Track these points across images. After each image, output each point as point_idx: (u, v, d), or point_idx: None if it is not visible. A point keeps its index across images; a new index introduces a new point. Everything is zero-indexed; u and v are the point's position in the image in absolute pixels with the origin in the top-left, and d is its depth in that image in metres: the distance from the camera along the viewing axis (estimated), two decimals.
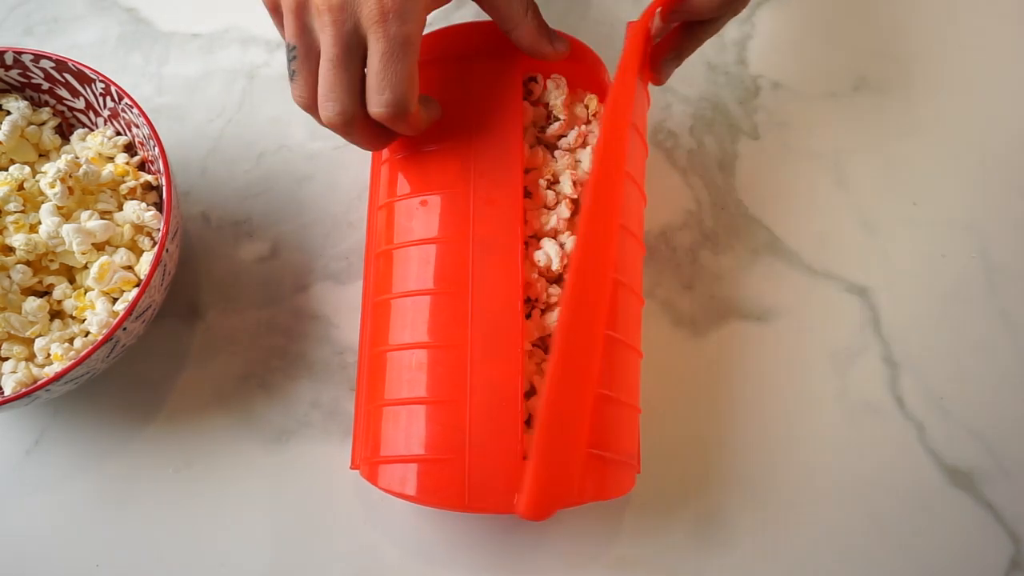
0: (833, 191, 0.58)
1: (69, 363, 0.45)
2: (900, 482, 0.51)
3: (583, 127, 0.50)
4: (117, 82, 0.50)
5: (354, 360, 0.53)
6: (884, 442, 0.52)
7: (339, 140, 0.58)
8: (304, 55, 0.42)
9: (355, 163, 0.58)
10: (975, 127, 0.60)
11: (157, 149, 0.48)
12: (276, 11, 0.43)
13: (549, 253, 0.46)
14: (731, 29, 0.62)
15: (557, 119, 0.50)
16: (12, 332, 0.47)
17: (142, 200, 0.51)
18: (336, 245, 0.56)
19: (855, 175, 0.58)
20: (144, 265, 0.49)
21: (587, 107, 0.51)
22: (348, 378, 0.53)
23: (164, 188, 0.48)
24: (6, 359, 0.48)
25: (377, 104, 0.41)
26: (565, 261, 0.46)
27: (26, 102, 0.52)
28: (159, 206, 0.52)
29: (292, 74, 0.42)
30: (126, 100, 0.50)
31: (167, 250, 0.46)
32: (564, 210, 0.48)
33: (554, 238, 0.47)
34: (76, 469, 0.51)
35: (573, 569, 0.49)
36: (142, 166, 0.53)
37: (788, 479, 0.51)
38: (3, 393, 0.47)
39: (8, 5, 0.63)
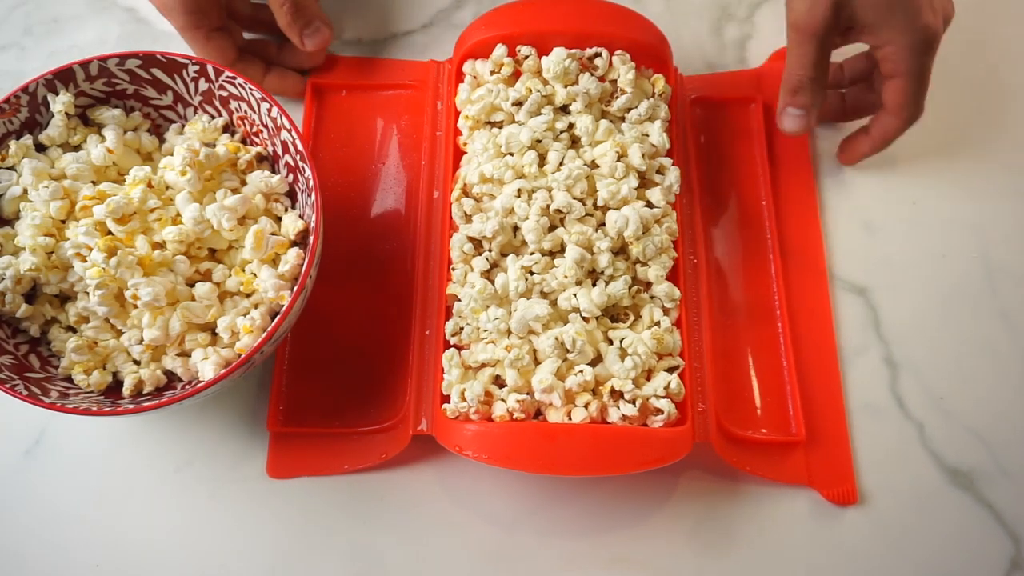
0: (834, 191, 0.58)
1: (263, 333, 0.46)
2: (900, 482, 0.51)
3: (651, 100, 0.51)
4: None
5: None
6: (884, 442, 0.52)
7: None
8: None
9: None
10: (975, 127, 0.60)
11: (296, 135, 0.49)
12: None
13: (620, 221, 0.48)
14: (731, 29, 0.62)
15: (624, 92, 0.51)
16: (193, 321, 0.48)
17: (258, 170, 0.52)
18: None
19: (855, 175, 0.58)
20: (289, 227, 0.49)
21: (653, 84, 0.52)
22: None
23: (311, 178, 0.48)
24: (190, 352, 0.49)
25: None
26: (630, 231, 0.48)
27: (118, 110, 0.53)
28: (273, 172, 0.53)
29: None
30: (226, 74, 0.50)
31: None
32: (633, 180, 0.49)
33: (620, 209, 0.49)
34: (76, 469, 0.51)
35: (573, 569, 0.49)
36: (243, 141, 0.54)
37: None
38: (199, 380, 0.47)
39: (8, 5, 0.63)
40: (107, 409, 0.45)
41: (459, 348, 0.48)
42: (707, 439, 0.49)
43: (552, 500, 0.50)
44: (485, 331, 0.47)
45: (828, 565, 0.49)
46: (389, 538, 0.50)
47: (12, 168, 0.50)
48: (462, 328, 0.48)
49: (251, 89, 0.50)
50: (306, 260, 0.47)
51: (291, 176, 0.51)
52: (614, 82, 0.52)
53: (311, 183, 0.48)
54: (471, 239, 0.49)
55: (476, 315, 0.47)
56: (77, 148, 0.52)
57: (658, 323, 0.48)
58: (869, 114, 0.55)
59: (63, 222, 0.50)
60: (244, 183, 0.51)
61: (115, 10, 0.63)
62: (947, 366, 0.54)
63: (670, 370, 0.47)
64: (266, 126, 0.51)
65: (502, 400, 0.46)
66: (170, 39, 0.62)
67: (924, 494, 0.51)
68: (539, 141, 0.50)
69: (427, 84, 0.58)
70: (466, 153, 0.53)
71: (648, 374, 0.47)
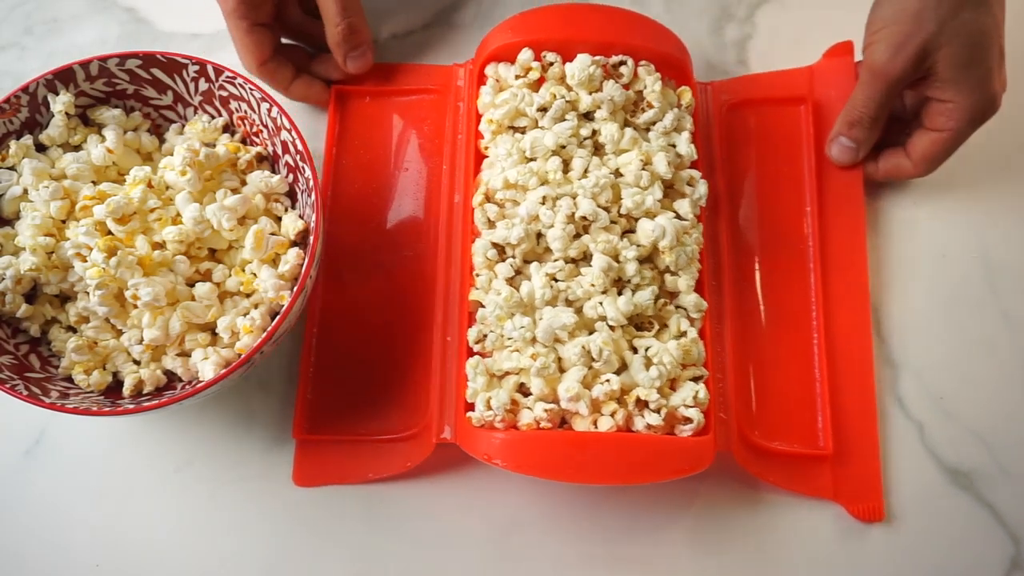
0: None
1: (263, 333, 0.46)
2: (900, 482, 0.51)
3: (676, 111, 0.51)
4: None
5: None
6: (884, 442, 0.52)
7: None
8: None
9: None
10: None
11: (296, 135, 0.49)
12: None
13: (657, 232, 0.48)
14: (731, 29, 0.62)
15: (652, 106, 0.51)
16: (193, 321, 0.48)
17: (258, 170, 0.52)
18: None
19: None
20: (289, 227, 0.50)
21: (679, 96, 0.53)
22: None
23: (311, 178, 0.48)
24: (190, 352, 0.49)
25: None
26: (666, 241, 0.48)
27: (119, 110, 0.53)
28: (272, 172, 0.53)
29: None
30: (226, 74, 0.50)
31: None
32: (657, 191, 0.49)
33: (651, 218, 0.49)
34: (76, 469, 0.51)
35: (573, 569, 0.49)
36: (243, 141, 0.54)
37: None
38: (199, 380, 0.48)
39: (8, 5, 0.63)
40: (107, 409, 0.45)
41: (482, 355, 0.48)
42: (729, 449, 0.49)
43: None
44: (510, 339, 0.47)
45: (828, 564, 0.49)
46: (399, 545, 0.50)
47: (12, 168, 0.50)
48: (485, 335, 0.48)
49: (251, 89, 0.50)
50: (306, 260, 0.47)
51: (291, 176, 0.51)
52: (639, 92, 0.52)
53: (311, 183, 0.48)
54: (495, 245, 0.49)
55: (501, 323, 0.47)
56: (77, 148, 0.52)
57: (684, 333, 0.48)
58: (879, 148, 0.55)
59: (63, 222, 0.50)
60: (244, 183, 0.51)
61: (115, 10, 0.63)
62: (947, 366, 0.53)
63: (695, 380, 0.47)
64: (266, 126, 0.51)
65: (528, 408, 0.46)
66: (170, 39, 0.62)
67: (924, 494, 0.51)
68: (563, 147, 0.50)
69: (449, 88, 0.58)
70: (487, 157, 0.53)
71: (672, 383, 0.47)
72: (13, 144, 0.50)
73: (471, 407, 0.47)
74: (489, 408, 0.46)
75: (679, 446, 0.45)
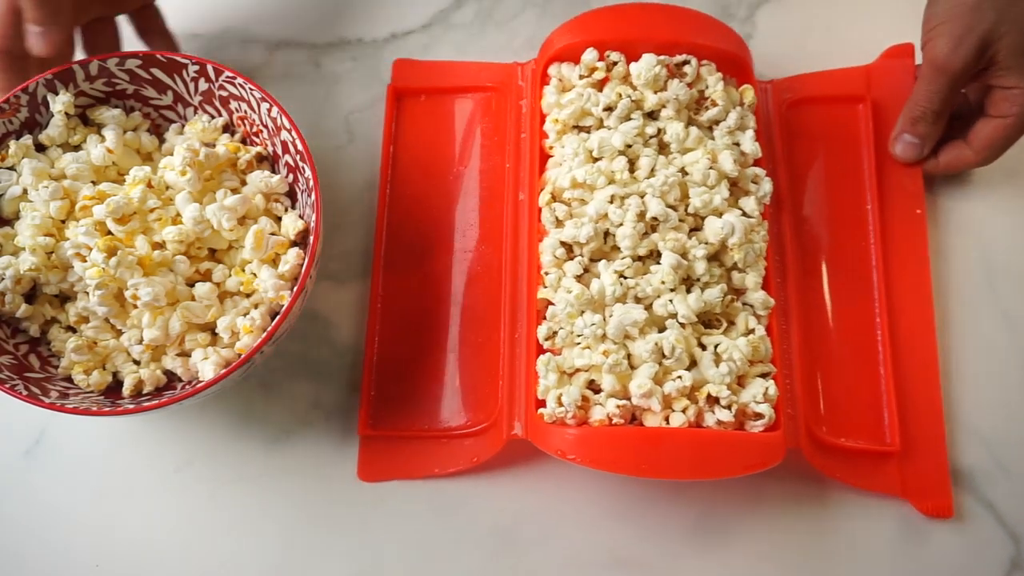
0: None
1: (263, 333, 0.46)
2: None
3: (740, 110, 0.52)
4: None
5: (353, 360, 0.53)
6: None
7: (340, 140, 0.58)
8: None
9: (353, 164, 0.58)
10: None
11: (296, 134, 0.49)
12: None
13: (727, 229, 0.48)
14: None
15: (716, 104, 0.52)
16: (193, 321, 0.48)
17: (258, 170, 0.52)
18: (335, 245, 0.56)
19: None
20: (289, 227, 0.50)
21: (742, 95, 0.53)
22: (348, 378, 0.53)
23: (311, 178, 0.49)
24: (190, 352, 0.49)
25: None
26: (735, 239, 0.48)
27: (119, 109, 0.53)
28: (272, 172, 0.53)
29: None
30: (226, 74, 0.50)
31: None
32: (724, 189, 0.49)
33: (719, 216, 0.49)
34: (76, 469, 0.52)
35: (573, 569, 0.49)
36: (243, 141, 0.54)
37: (787, 478, 0.51)
38: (199, 380, 0.48)
39: None
40: (107, 409, 0.45)
41: (552, 352, 0.48)
42: (797, 446, 0.49)
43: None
44: (580, 336, 0.47)
45: (828, 564, 0.49)
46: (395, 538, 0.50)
47: (12, 168, 0.50)
48: (555, 332, 0.48)
49: (251, 89, 0.50)
50: (306, 260, 0.47)
51: (291, 176, 0.51)
52: (701, 91, 0.53)
53: (311, 183, 0.48)
54: (563, 244, 0.49)
55: (571, 319, 0.47)
56: (77, 148, 0.52)
57: (752, 330, 0.48)
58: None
59: (63, 222, 0.50)
60: (244, 183, 0.51)
61: None
62: (946, 366, 0.53)
63: (763, 376, 0.48)
64: (266, 126, 0.51)
65: (599, 404, 0.46)
66: None
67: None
68: (628, 147, 0.50)
69: (508, 87, 0.58)
70: (551, 156, 0.53)
71: (740, 380, 0.48)
72: (13, 144, 0.50)
73: (542, 403, 0.47)
74: (560, 405, 0.46)
75: (751, 441, 0.46)
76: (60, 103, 0.50)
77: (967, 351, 0.54)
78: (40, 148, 0.52)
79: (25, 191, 0.50)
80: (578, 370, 0.48)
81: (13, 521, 0.51)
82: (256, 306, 0.49)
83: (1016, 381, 0.53)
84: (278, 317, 0.45)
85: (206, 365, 0.47)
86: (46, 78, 0.50)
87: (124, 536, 0.50)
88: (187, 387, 0.48)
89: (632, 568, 0.49)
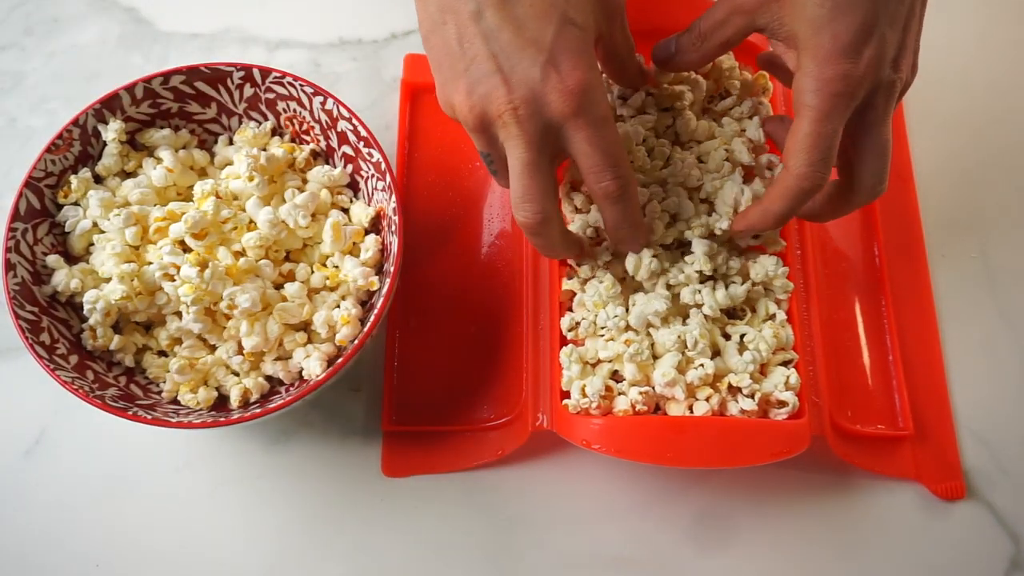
0: None
1: (359, 322, 0.47)
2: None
3: (753, 98, 0.52)
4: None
5: (354, 360, 0.53)
6: None
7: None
8: (499, 163, 0.43)
9: None
10: (975, 125, 0.60)
11: (358, 122, 0.49)
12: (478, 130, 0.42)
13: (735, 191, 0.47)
14: None
15: (730, 94, 0.52)
16: (289, 321, 0.48)
17: (316, 166, 0.53)
18: None
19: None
20: (361, 215, 0.51)
21: (755, 82, 0.53)
22: (348, 378, 0.53)
23: (391, 175, 0.49)
24: (289, 354, 0.49)
25: (600, 180, 0.42)
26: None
27: (167, 130, 0.52)
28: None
29: (495, 174, 0.45)
30: (273, 75, 0.50)
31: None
32: (738, 177, 0.49)
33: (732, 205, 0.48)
34: (76, 469, 0.51)
35: (573, 569, 0.49)
36: (293, 142, 0.54)
37: (787, 478, 0.51)
38: (309, 378, 0.48)
39: (8, 5, 0.63)
40: (234, 418, 0.45)
41: (575, 343, 0.49)
42: (822, 433, 0.49)
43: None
44: (603, 327, 0.47)
45: (828, 564, 0.50)
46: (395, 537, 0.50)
47: (76, 204, 0.50)
48: (578, 323, 0.48)
49: (301, 86, 0.50)
50: (397, 239, 0.48)
51: (349, 166, 0.52)
52: (716, 80, 0.53)
53: (383, 165, 0.49)
54: (591, 226, 0.49)
55: (598, 308, 0.47)
56: (131, 174, 0.52)
57: (773, 316, 0.48)
58: None
59: (136, 248, 0.49)
60: (305, 181, 0.52)
61: (115, 10, 0.63)
62: (946, 366, 0.53)
63: (785, 364, 0.48)
64: (319, 121, 0.52)
65: (623, 394, 0.47)
66: (170, 39, 0.62)
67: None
68: (643, 139, 0.50)
69: None
70: None
71: (762, 368, 0.48)
72: (74, 179, 0.49)
73: (566, 394, 0.47)
74: (584, 395, 0.46)
75: (776, 429, 0.46)
76: (112, 131, 0.50)
77: (967, 351, 0.54)
78: (97, 179, 0.51)
79: (95, 224, 0.49)
80: (601, 361, 0.48)
81: (13, 521, 0.51)
82: (344, 297, 0.49)
83: (1016, 381, 0.53)
84: (381, 300, 0.46)
85: (311, 362, 0.48)
86: (94, 108, 0.50)
87: (124, 536, 0.50)
88: (291, 390, 0.48)
89: (635, 565, 0.50)
